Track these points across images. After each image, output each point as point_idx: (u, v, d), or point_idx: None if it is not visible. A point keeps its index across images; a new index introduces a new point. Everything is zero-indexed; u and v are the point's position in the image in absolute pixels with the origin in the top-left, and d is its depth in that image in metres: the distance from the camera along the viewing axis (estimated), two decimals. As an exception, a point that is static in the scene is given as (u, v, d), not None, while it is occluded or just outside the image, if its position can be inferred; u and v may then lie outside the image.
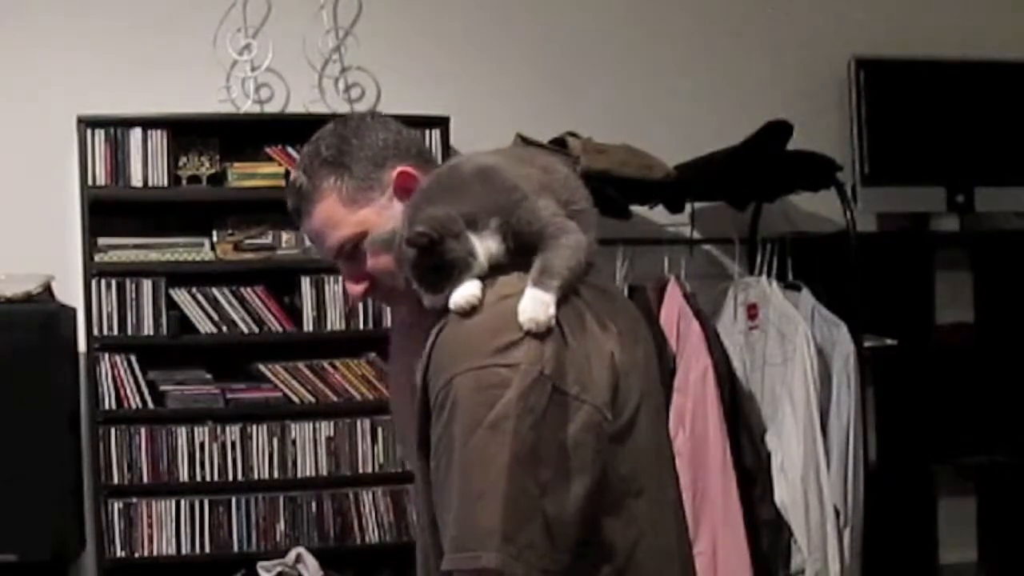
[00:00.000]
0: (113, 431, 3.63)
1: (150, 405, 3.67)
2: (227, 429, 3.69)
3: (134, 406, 3.65)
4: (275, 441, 3.72)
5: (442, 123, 3.81)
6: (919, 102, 4.14)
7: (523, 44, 4.17)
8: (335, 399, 3.75)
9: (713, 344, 3.59)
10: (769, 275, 3.82)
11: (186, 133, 3.73)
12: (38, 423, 3.39)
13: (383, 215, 1.61)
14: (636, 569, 1.49)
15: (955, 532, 4.35)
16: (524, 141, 3.61)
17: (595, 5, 4.23)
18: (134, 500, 3.64)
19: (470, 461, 1.39)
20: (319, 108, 3.97)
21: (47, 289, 3.61)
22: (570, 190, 1.59)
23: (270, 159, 3.76)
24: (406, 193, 1.61)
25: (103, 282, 3.64)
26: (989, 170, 4.15)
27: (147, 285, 3.66)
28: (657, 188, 3.76)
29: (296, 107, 3.98)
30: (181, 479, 3.67)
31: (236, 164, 3.77)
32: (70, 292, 3.69)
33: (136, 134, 3.66)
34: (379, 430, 3.77)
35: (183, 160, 3.74)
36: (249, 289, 3.74)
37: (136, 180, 3.66)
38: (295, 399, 3.74)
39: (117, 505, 3.63)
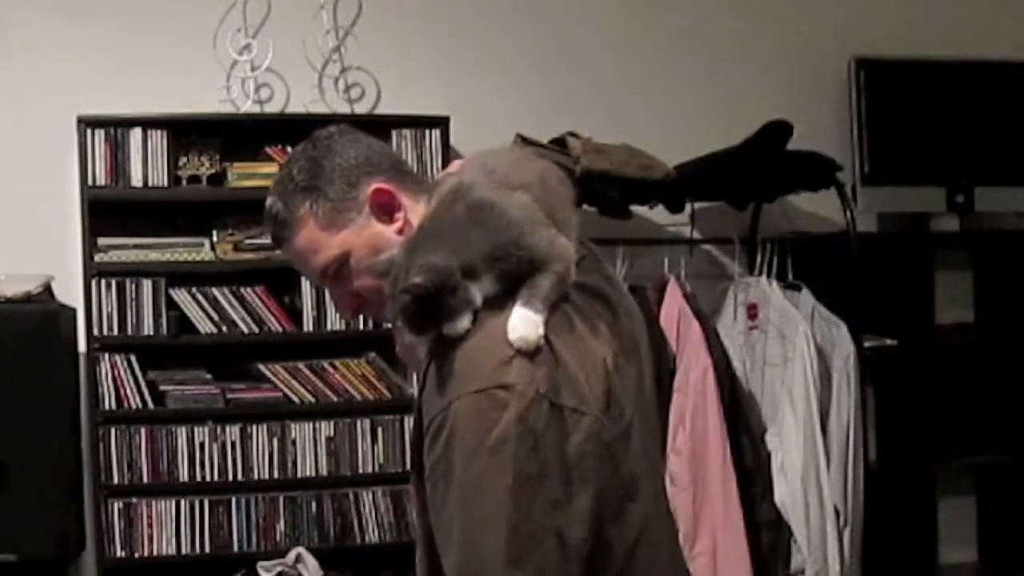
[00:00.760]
0: (113, 431, 3.63)
1: (150, 405, 3.67)
2: (227, 429, 3.69)
3: (134, 406, 3.65)
4: (275, 441, 3.72)
5: (442, 123, 3.81)
6: (919, 102, 4.14)
7: (523, 44, 4.17)
8: (335, 399, 3.75)
9: (713, 344, 3.59)
10: (769, 275, 3.82)
11: (186, 133, 3.74)
12: (38, 423, 3.39)
13: (363, 235, 1.60)
14: (634, 571, 1.49)
15: (955, 532, 4.35)
16: (524, 141, 3.61)
17: (595, 5, 4.23)
18: (134, 500, 3.64)
19: (472, 487, 1.38)
20: (319, 108, 3.97)
21: (47, 289, 3.61)
22: (559, 197, 1.58)
23: (270, 159, 3.76)
24: (383, 210, 1.60)
25: (103, 282, 3.64)
26: (989, 170, 4.15)
27: (147, 285, 3.67)
28: (657, 188, 3.76)
29: (296, 107, 3.98)
30: (181, 479, 3.67)
31: (236, 164, 3.77)
32: (70, 292, 3.69)
33: (136, 134, 3.66)
34: (379, 430, 3.77)
35: (183, 160, 3.74)
36: (249, 289, 3.74)
37: (136, 180, 3.66)
38: (295, 399, 3.74)
39: (117, 505, 3.63)
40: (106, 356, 3.64)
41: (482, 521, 1.37)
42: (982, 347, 4.24)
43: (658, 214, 4.00)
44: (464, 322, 1.45)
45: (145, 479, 3.65)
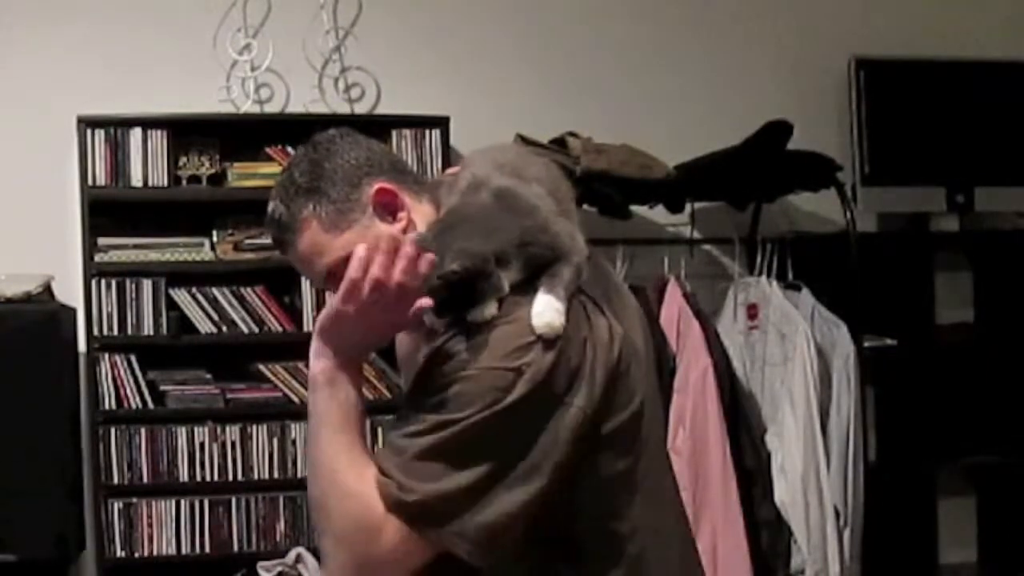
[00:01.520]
0: (113, 431, 3.63)
1: (150, 405, 3.67)
2: (227, 429, 3.69)
3: (134, 406, 3.65)
4: (275, 441, 3.72)
5: (442, 123, 3.81)
6: (919, 102, 4.14)
7: (523, 44, 4.17)
8: (335, 399, 3.75)
9: (713, 344, 3.59)
10: (769, 275, 3.82)
11: (186, 133, 3.73)
12: (38, 423, 3.39)
13: (366, 235, 1.58)
14: (645, 565, 1.51)
15: (955, 532, 4.35)
16: (524, 141, 3.61)
17: (595, 5, 4.23)
18: (134, 500, 3.64)
19: (450, 436, 1.41)
20: (319, 108, 3.97)
21: (47, 289, 3.61)
22: (565, 193, 1.60)
23: (270, 159, 3.76)
24: (386, 209, 1.60)
25: (103, 282, 3.64)
26: (989, 170, 4.15)
27: (147, 285, 3.67)
28: (657, 188, 3.76)
29: (296, 107, 3.98)
30: (181, 479, 3.67)
31: (236, 164, 3.77)
32: (70, 292, 3.69)
33: (136, 134, 3.66)
34: (379, 430, 3.77)
35: (183, 160, 3.74)
36: (249, 289, 3.74)
37: (136, 180, 3.66)
38: (295, 399, 3.74)
39: (117, 505, 3.63)
40: (106, 356, 3.64)
41: (437, 462, 1.41)
42: (982, 347, 4.24)
43: (658, 214, 4.00)
44: (491, 309, 1.45)
45: (145, 479, 3.65)
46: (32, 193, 3.80)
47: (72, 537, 3.54)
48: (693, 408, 3.52)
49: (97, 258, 3.66)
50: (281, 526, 3.70)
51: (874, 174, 4.06)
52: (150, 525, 3.64)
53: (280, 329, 3.75)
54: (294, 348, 3.78)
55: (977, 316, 4.35)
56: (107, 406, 3.64)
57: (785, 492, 3.58)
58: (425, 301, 1.45)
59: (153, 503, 3.65)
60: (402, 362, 1.70)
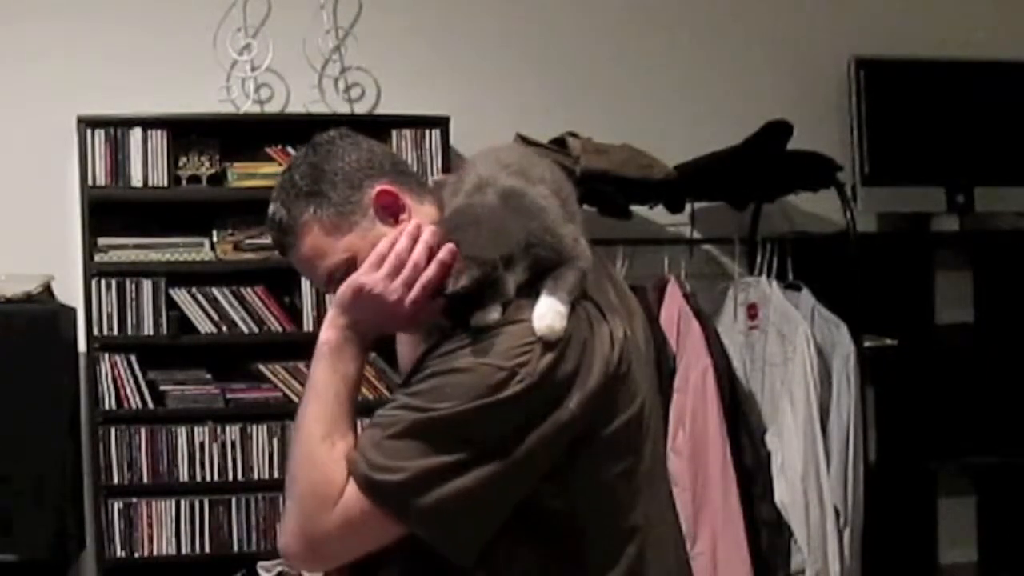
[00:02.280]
0: (113, 431, 3.63)
1: (150, 405, 3.67)
2: (227, 429, 3.69)
3: (134, 406, 3.65)
4: (275, 441, 3.72)
5: (442, 123, 3.81)
6: (919, 102, 4.14)
7: (523, 44, 4.17)
8: (335, 399, 3.75)
9: (713, 344, 3.59)
10: (769, 275, 3.82)
11: (186, 133, 3.73)
12: (38, 423, 3.39)
13: (368, 237, 1.58)
14: (642, 562, 1.52)
15: (955, 532, 4.35)
16: (524, 141, 3.61)
17: (595, 5, 4.23)
18: (134, 500, 3.64)
19: (429, 421, 1.42)
20: (319, 108, 3.97)
21: (47, 289, 3.61)
22: (569, 194, 1.60)
23: (270, 159, 3.76)
24: (387, 212, 1.60)
25: (103, 282, 3.64)
26: (989, 170, 4.15)
27: (147, 285, 3.67)
28: (657, 188, 3.76)
29: (296, 107, 3.98)
30: (181, 479, 3.67)
31: (236, 164, 3.77)
32: (70, 292, 3.69)
33: (136, 134, 3.66)
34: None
35: (183, 160, 3.74)
36: (249, 289, 3.74)
37: (136, 180, 3.66)
38: (295, 399, 3.73)
39: (117, 505, 3.63)
40: (106, 356, 3.64)
41: (415, 442, 1.42)
42: (982, 347, 4.24)
43: (658, 214, 4.00)
44: (494, 314, 1.46)
45: (145, 479, 3.65)
46: (32, 193, 3.80)
47: (72, 537, 3.54)
48: (693, 408, 3.52)
49: (97, 258, 3.65)
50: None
51: (874, 174, 4.06)
52: (150, 525, 3.64)
53: (280, 329, 3.75)
54: (294, 348, 3.78)
55: (977, 316, 4.35)
56: (107, 406, 3.64)
57: (785, 492, 3.58)
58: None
59: (153, 503, 3.65)
60: (403, 371, 1.71)
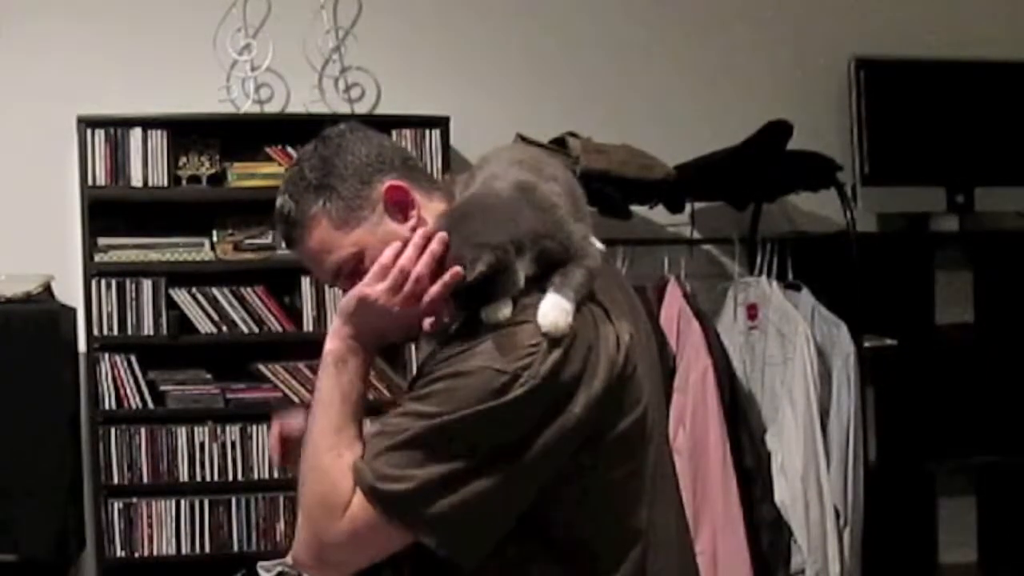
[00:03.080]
0: (113, 431, 3.63)
1: (150, 405, 3.67)
2: (227, 429, 3.70)
3: (134, 406, 3.65)
4: (275, 441, 3.72)
5: (442, 123, 3.81)
6: (919, 102, 4.14)
7: (523, 44, 4.17)
8: (335, 399, 3.75)
9: (713, 344, 3.59)
10: (769, 275, 3.82)
11: (186, 133, 3.73)
12: (38, 423, 3.39)
13: (377, 233, 1.58)
14: (648, 563, 1.52)
15: (955, 532, 4.35)
16: (524, 141, 3.61)
17: (594, 5, 4.23)
18: (134, 500, 3.65)
19: (433, 428, 1.42)
20: (319, 108, 3.97)
21: (47, 289, 3.61)
22: (577, 194, 1.60)
23: (270, 159, 3.76)
24: (397, 207, 1.59)
25: (103, 282, 3.64)
26: (989, 170, 4.15)
27: (147, 285, 3.67)
28: (657, 188, 3.76)
29: (296, 107, 3.98)
30: (181, 479, 3.67)
31: (236, 164, 3.77)
32: (70, 292, 3.69)
33: (136, 134, 3.66)
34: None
35: (183, 160, 3.74)
36: (249, 289, 3.74)
37: (136, 180, 3.66)
38: (295, 399, 3.74)
39: (117, 505, 3.63)
40: (106, 356, 3.64)
41: (415, 450, 1.42)
42: (982, 347, 4.23)
43: (658, 214, 4.00)
44: (505, 311, 1.45)
45: (145, 479, 3.65)
46: (32, 193, 3.80)
47: (72, 537, 3.54)
48: (693, 408, 3.52)
49: (97, 258, 3.66)
50: (281, 526, 3.70)
51: (874, 174, 4.06)
52: (150, 525, 3.64)
53: (280, 329, 3.75)
54: (294, 348, 3.78)
55: (977, 316, 4.35)
56: (107, 406, 3.64)
57: (785, 492, 3.58)
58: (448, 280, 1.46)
59: (153, 503, 3.65)
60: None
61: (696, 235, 3.99)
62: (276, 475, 3.71)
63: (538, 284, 1.47)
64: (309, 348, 3.80)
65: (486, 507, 1.41)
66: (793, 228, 4.13)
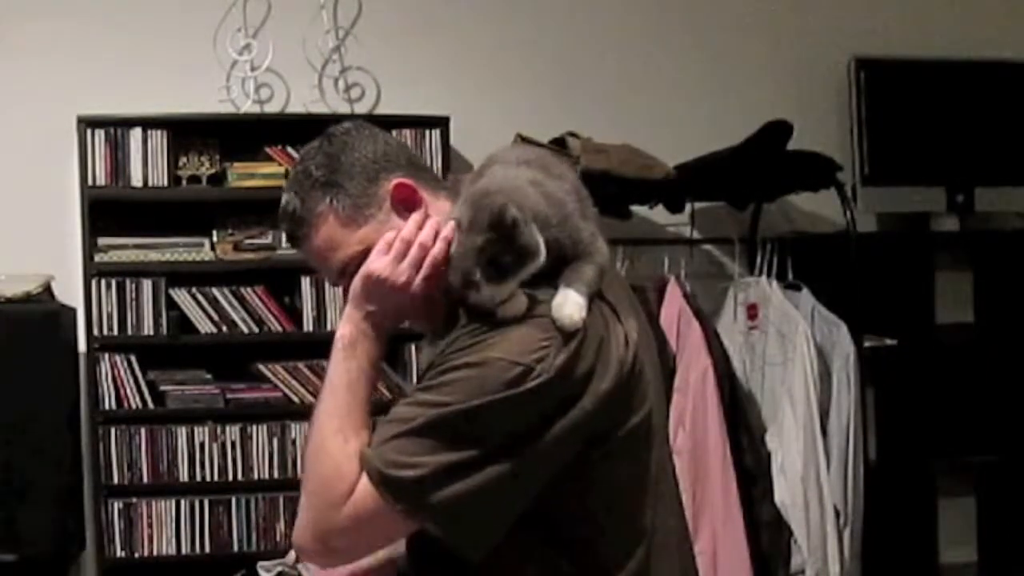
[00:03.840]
0: (113, 431, 3.63)
1: (150, 405, 3.67)
2: (227, 429, 3.70)
3: (134, 406, 3.65)
4: (275, 441, 3.72)
5: (442, 123, 3.81)
6: (919, 102, 4.14)
7: (523, 44, 4.17)
8: (335, 399, 3.75)
9: (713, 344, 3.59)
10: (769, 275, 3.82)
11: (186, 133, 3.74)
12: (38, 423, 3.40)
13: (383, 231, 1.57)
14: (651, 562, 1.52)
15: (955, 532, 4.35)
16: (524, 141, 3.61)
17: (594, 5, 4.23)
18: (134, 500, 3.65)
19: (443, 417, 1.41)
20: (319, 108, 3.97)
21: (47, 289, 3.61)
22: (584, 193, 1.59)
23: (270, 159, 3.76)
24: (403, 205, 1.59)
25: (103, 282, 3.64)
26: (989, 170, 4.15)
27: (147, 285, 3.67)
28: (657, 188, 3.76)
29: (296, 107, 3.98)
30: (181, 479, 3.67)
31: (236, 164, 3.77)
32: (70, 292, 3.69)
33: (136, 134, 3.66)
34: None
35: (183, 160, 3.74)
36: (249, 289, 3.74)
37: (136, 180, 3.66)
38: (295, 399, 3.74)
39: (117, 505, 3.63)
40: (106, 356, 3.64)
41: (424, 443, 1.41)
42: (982, 347, 4.23)
43: (658, 214, 4.00)
44: (520, 305, 1.44)
45: (145, 479, 3.65)
46: (32, 193, 3.80)
47: (72, 537, 3.54)
48: (693, 408, 3.52)
49: (97, 258, 3.66)
50: (281, 526, 3.70)
51: (874, 174, 4.06)
52: (150, 525, 3.64)
53: (280, 329, 3.75)
54: (294, 348, 3.78)
55: (977, 316, 4.35)
56: (107, 406, 3.64)
57: (785, 492, 3.58)
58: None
59: (153, 503, 3.65)
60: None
61: (696, 235, 3.99)
62: (276, 475, 3.71)
63: (549, 280, 1.47)
64: (309, 348, 3.81)
65: (494, 497, 1.41)
66: (793, 228, 4.13)
